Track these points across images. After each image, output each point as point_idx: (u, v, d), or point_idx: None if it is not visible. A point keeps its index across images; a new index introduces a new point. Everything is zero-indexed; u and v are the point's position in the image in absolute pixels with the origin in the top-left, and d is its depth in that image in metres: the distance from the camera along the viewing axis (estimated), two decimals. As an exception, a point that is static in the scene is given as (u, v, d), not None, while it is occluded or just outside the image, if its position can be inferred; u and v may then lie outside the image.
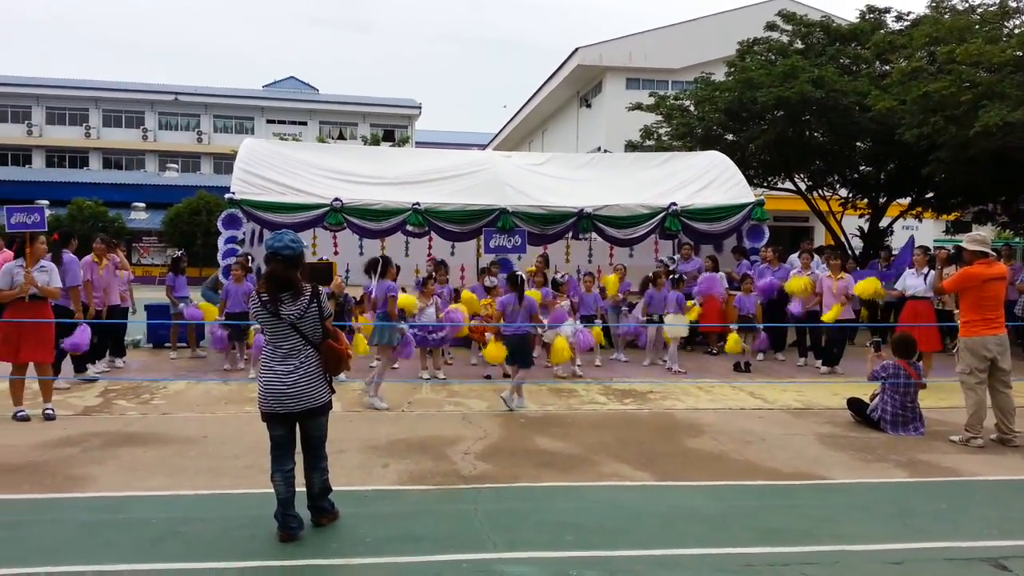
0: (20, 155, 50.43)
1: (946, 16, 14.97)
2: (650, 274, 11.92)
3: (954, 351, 7.72)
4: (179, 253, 12.54)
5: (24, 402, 7.51)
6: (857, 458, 6.62)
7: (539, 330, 9.48)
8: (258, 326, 5.03)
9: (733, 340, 10.89)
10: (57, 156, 51.11)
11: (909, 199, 18.97)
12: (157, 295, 13.80)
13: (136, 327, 12.47)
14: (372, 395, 8.24)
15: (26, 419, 7.22)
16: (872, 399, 7.88)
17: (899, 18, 17.65)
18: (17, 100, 50.31)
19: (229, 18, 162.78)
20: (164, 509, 5.05)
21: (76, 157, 51.32)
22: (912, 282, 10.50)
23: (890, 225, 19.94)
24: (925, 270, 10.33)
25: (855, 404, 8.00)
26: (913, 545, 4.66)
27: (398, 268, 9.71)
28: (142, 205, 40.62)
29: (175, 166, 49.01)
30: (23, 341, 7.38)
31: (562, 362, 10.01)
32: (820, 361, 11.33)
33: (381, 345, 8.62)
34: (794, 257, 12.86)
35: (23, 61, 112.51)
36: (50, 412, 7.40)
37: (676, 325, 10.90)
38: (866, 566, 4.36)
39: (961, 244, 7.70)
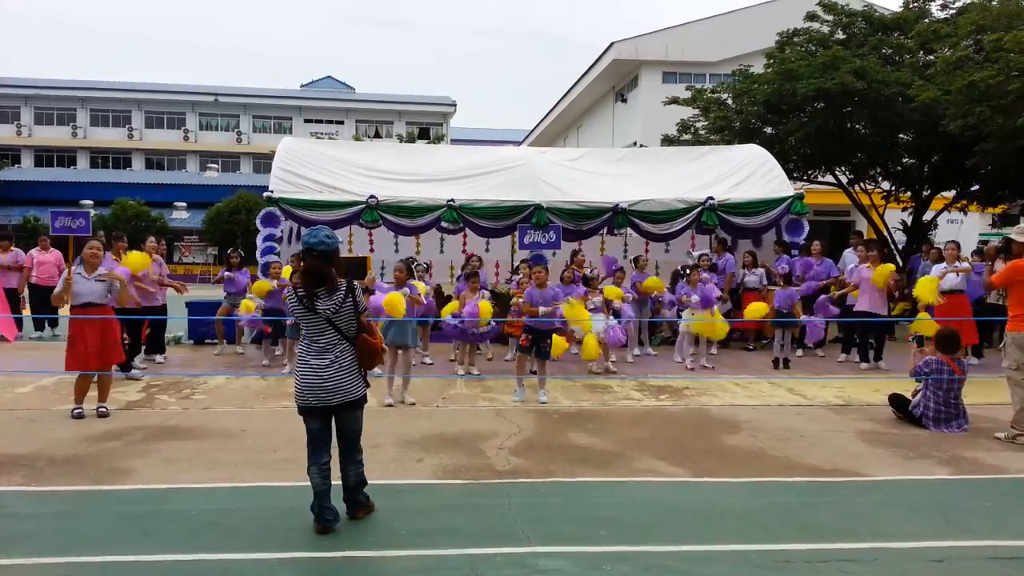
0: (65, 156, 51.67)
1: (994, 3, 14.57)
2: (679, 267, 11.79)
3: (1001, 346, 7.52)
4: (230, 250, 12.72)
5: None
6: (898, 455, 6.49)
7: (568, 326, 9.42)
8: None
9: (754, 307, 10.90)
10: (101, 157, 52.21)
11: (954, 192, 18.52)
12: (198, 292, 14.01)
13: (178, 324, 12.71)
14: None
15: (81, 416, 7.35)
16: (914, 395, 7.72)
17: (944, 6, 17.21)
18: (62, 103, 51.52)
19: (268, 18, 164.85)
20: (203, 501, 5.14)
21: (119, 158, 52.37)
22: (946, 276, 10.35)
23: (934, 219, 19.50)
24: (957, 264, 10.32)
25: (897, 400, 7.84)
26: (955, 543, 4.56)
27: (427, 265, 9.76)
28: (183, 204, 41.37)
29: (215, 166, 49.80)
30: (91, 348, 7.41)
31: (593, 358, 9.95)
32: (859, 358, 11.13)
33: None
34: (848, 252, 12.62)
35: (67, 65, 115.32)
36: (104, 410, 7.51)
37: (689, 320, 10.76)
38: (906, 564, 4.28)
39: (1010, 236, 7.50)
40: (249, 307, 10.69)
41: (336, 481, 4.71)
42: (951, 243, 10.95)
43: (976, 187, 17.69)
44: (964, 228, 26.03)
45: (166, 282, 10.91)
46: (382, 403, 8.02)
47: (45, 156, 51.41)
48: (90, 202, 34.10)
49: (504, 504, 5.11)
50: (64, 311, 7.89)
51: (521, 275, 10.76)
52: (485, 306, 9.70)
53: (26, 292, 13.43)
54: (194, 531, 4.59)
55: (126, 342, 9.32)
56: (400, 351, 8.41)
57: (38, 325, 13.24)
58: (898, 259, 17.32)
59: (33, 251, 13.62)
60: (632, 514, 4.97)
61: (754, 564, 4.23)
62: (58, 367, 7.89)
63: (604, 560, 4.24)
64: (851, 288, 11.01)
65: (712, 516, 4.97)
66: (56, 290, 7.62)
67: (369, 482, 4.90)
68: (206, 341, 12.56)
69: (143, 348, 10.57)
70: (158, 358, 10.83)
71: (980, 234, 28.92)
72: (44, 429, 6.95)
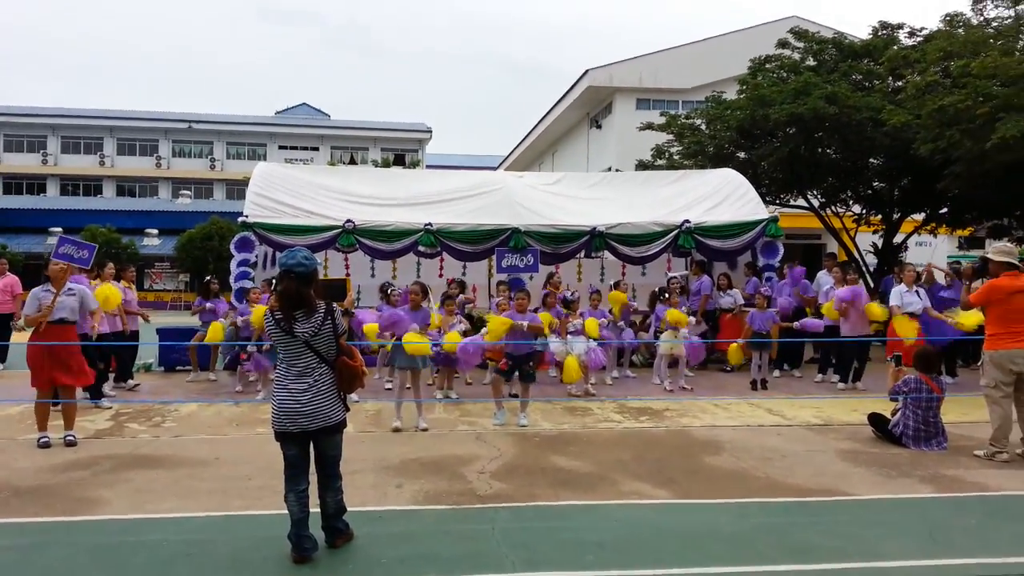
0: (35, 184, 51.02)
1: (960, 30, 14.89)
2: (657, 289, 11.80)
3: (979, 365, 7.57)
4: (208, 278, 12.31)
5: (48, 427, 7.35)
6: (881, 474, 6.47)
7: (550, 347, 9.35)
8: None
9: (733, 350, 11.11)
10: (71, 184, 51.61)
11: (923, 215, 18.82)
12: (169, 319, 13.78)
13: (149, 350, 12.45)
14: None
15: (48, 445, 7.13)
16: (893, 414, 7.73)
17: (912, 34, 17.56)
18: (33, 130, 50.99)
19: (243, 44, 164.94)
20: (175, 531, 4.96)
21: (90, 185, 51.81)
22: (908, 299, 10.41)
23: (904, 241, 19.78)
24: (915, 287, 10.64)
25: (876, 419, 7.85)
26: (944, 562, 4.51)
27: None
28: (155, 231, 40.89)
29: (188, 193, 49.41)
30: (55, 367, 7.24)
31: (574, 381, 9.88)
32: (838, 377, 11.17)
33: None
34: (822, 274, 12.70)
35: (39, 91, 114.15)
36: (72, 439, 7.27)
37: (670, 341, 10.75)
38: (897, 584, 4.23)
39: (987, 256, 7.56)
40: (217, 329, 10.61)
41: (314, 509, 4.58)
42: (909, 266, 11.20)
43: (944, 210, 17.98)
44: (934, 251, 26.51)
45: (132, 310, 10.69)
46: (390, 427, 8.01)
47: (14, 184, 50.70)
48: (59, 229, 33.58)
49: (487, 529, 4.99)
50: (23, 335, 7.64)
51: (501, 298, 10.66)
52: (452, 336, 9.30)
53: None
54: (166, 562, 4.42)
55: (99, 366, 9.11)
56: (410, 374, 8.33)
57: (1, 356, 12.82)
58: (869, 280, 17.50)
59: None
60: (618, 537, 4.87)
61: (744, 586, 4.16)
62: (24, 395, 7.65)
63: (591, 585, 4.15)
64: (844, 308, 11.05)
65: (699, 538, 4.89)
66: (29, 310, 7.37)
67: (348, 509, 4.77)
68: (177, 368, 12.32)
69: (111, 376, 10.32)
70: (128, 383, 10.58)
71: (948, 256, 29.42)
72: (9, 459, 6.72)
